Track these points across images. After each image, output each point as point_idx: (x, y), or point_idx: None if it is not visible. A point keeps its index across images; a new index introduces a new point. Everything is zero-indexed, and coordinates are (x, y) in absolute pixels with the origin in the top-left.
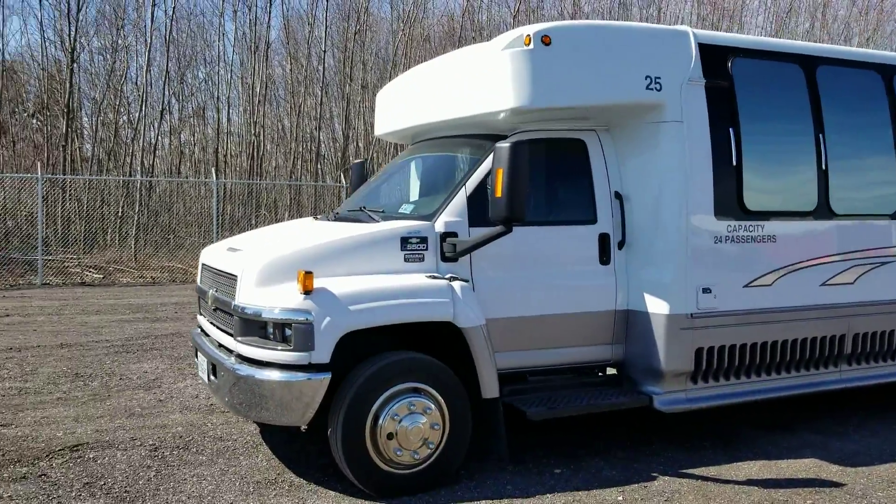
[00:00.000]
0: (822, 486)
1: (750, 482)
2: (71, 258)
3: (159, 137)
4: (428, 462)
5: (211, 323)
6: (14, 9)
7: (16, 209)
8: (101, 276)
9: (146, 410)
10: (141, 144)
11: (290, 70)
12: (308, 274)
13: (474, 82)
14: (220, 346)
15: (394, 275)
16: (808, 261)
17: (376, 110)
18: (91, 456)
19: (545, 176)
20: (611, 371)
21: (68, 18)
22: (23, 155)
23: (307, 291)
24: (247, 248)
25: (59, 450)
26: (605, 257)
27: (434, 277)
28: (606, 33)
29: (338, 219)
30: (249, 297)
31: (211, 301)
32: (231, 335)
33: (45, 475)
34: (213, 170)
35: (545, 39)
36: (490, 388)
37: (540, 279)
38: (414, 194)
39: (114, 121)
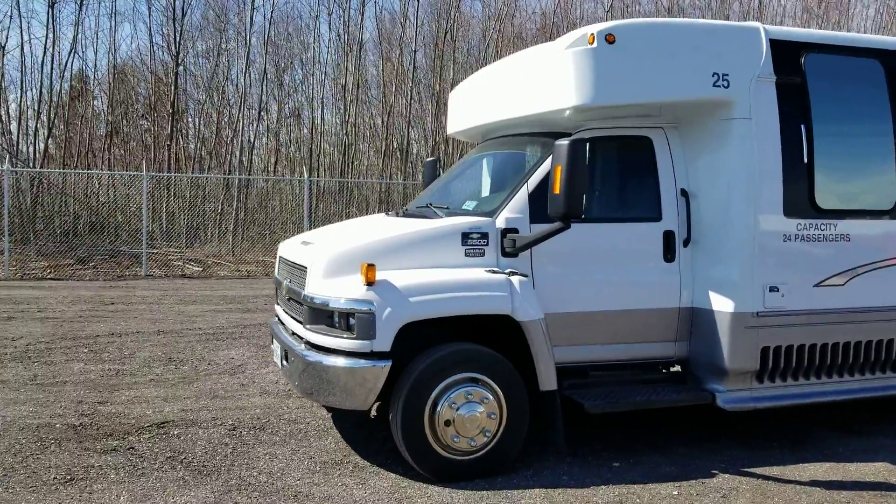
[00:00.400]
0: (890, 490)
1: (813, 482)
2: (174, 252)
3: (257, 137)
4: (485, 450)
5: (285, 312)
6: (125, 15)
7: (125, 205)
8: (201, 268)
9: (229, 393)
10: (240, 144)
11: (382, 70)
12: (370, 266)
13: (539, 81)
14: (293, 333)
15: (454, 268)
16: (885, 261)
17: (448, 110)
18: (175, 433)
19: (609, 173)
20: (676, 369)
21: (173, 24)
22: (133, 154)
23: (370, 283)
24: (317, 242)
25: (148, 426)
26: (669, 255)
27: (493, 272)
28: (671, 31)
29: (406, 215)
30: (317, 287)
31: (285, 291)
32: (301, 323)
33: (132, 448)
34: (305, 168)
35: (609, 38)
36: (548, 380)
37: (601, 275)
38: (479, 191)
39: (215, 121)
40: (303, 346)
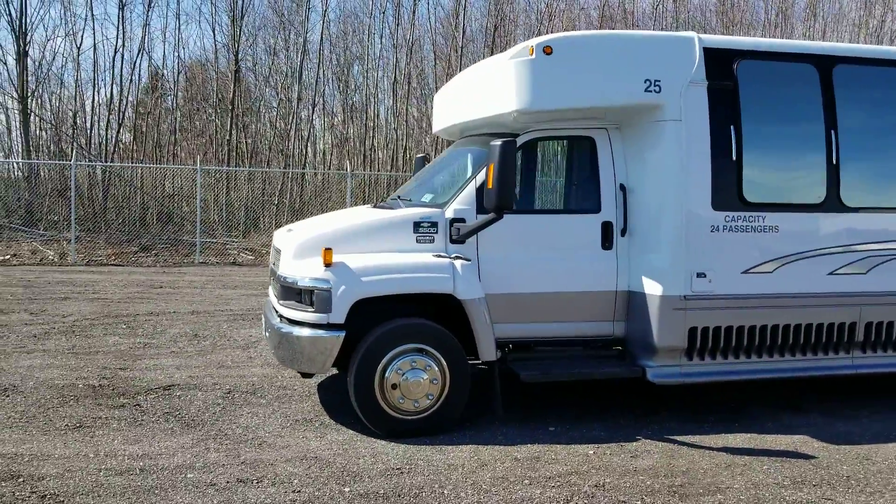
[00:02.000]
0: (790, 457)
1: (724, 448)
2: (232, 241)
3: (315, 131)
4: (429, 411)
5: (272, 291)
6: (191, 15)
7: (191, 197)
8: (253, 257)
9: (235, 364)
10: (298, 138)
11: (435, 67)
12: (328, 250)
13: (491, 87)
14: (274, 309)
15: (405, 253)
16: (814, 251)
17: (433, 110)
18: (178, 394)
19: (554, 169)
20: (619, 348)
21: (233, 23)
22: (199, 148)
23: (328, 264)
24: (296, 229)
25: (156, 388)
26: (607, 243)
27: (439, 256)
28: (605, 42)
29: (378, 206)
30: (288, 268)
31: (270, 273)
32: (278, 299)
33: (138, 405)
34: (349, 162)
35: (546, 49)
36: (487, 352)
37: (544, 261)
38: (440, 185)
39: (276, 116)
40: (278, 319)
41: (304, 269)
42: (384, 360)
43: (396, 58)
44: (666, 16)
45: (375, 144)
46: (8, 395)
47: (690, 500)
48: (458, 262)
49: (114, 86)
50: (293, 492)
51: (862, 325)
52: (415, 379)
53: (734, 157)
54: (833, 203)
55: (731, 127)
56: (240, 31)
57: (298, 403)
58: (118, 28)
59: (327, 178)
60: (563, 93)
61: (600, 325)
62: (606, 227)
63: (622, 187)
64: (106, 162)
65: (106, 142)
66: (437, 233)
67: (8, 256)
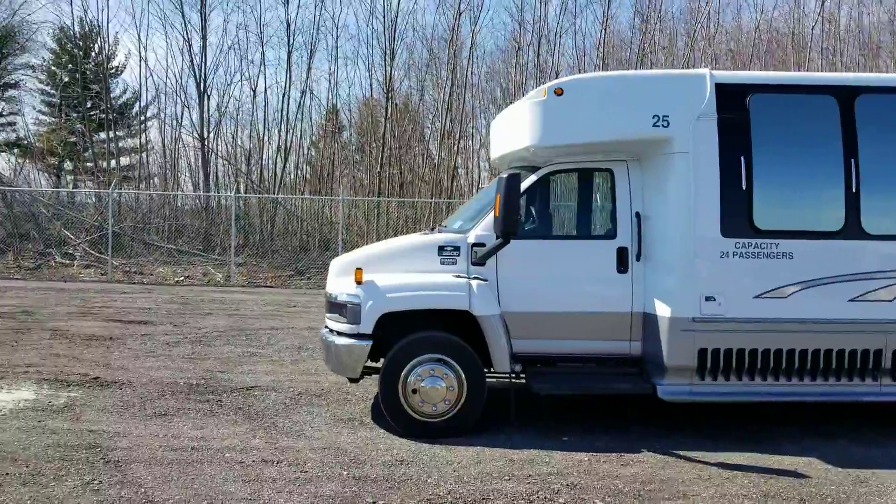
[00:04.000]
0: (780, 475)
1: (718, 464)
2: None
3: (458, 162)
4: (447, 415)
5: None
6: (350, 58)
7: (353, 225)
8: None
9: (318, 372)
10: (446, 169)
11: None
12: (358, 269)
13: (516, 124)
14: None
15: (429, 273)
16: (832, 277)
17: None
18: (256, 394)
19: (573, 198)
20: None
21: (385, 64)
22: (356, 180)
23: (359, 282)
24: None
25: (241, 388)
26: (622, 267)
27: (458, 276)
28: (614, 83)
29: (425, 233)
30: (331, 285)
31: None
32: (326, 313)
33: (219, 401)
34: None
35: (557, 91)
36: (501, 364)
37: (560, 282)
38: (473, 212)
39: (421, 149)
40: (326, 330)
41: (341, 287)
42: (407, 368)
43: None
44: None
45: None
46: (121, 388)
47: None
48: (474, 282)
49: (283, 124)
50: (301, 471)
51: (889, 352)
52: (432, 385)
53: (744, 186)
54: (853, 230)
55: (742, 157)
56: (391, 70)
57: (351, 406)
58: (287, 72)
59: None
60: (572, 130)
61: (617, 344)
62: (622, 252)
63: (637, 215)
64: (275, 194)
65: (274, 175)
66: (459, 256)
67: (182, 278)
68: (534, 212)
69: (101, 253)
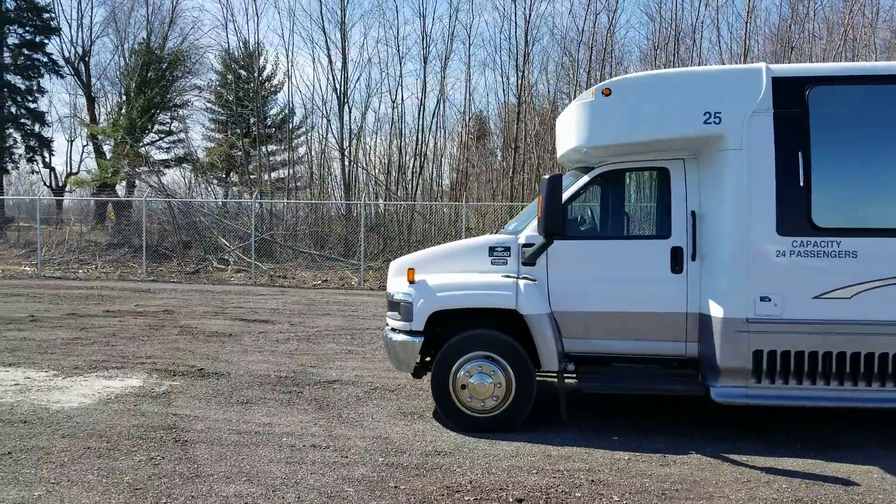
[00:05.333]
0: (826, 482)
1: (764, 468)
2: None
3: None
4: (496, 411)
5: None
6: (486, 63)
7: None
8: None
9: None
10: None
11: None
12: (410, 269)
13: (568, 125)
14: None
15: (479, 273)
16: None
17: None
18: (335, 387)
19: (627, 198)
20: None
21: (517, 70)
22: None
23: (411, 282)
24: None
25: (324, 382)
26: (677, 267)
27: (507, 276)
28: (663, 81)
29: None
30: (389, 285)
31: None
32: (387, 311)
33: (300, 392)
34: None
35: (605, 92)
36: (548, 362)
37: (613, 282)
38: (529, 214)
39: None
40: (388, 327)
41: (397, 286)
42: (457, 364)
43: None
44: None
45: None
46: (218, 379)
47: (671, 503)
48: (521, 282)
49: (419, 133)
50: (342, 456)
51: None
52: (480, 381)
53: (802, 183)
54: None
55: (800, 153)
56: (523, 74)
57: (418, 401)
58: (423, 82)
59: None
60: (619, 130)
61: (672, 345)
62: (676, 252)
63: (693, 214)
64: (412, 201)
65: (406, 183)
66: (510, 256)
67: (320, 282)
68: (587, 212)
69: (252, 258)
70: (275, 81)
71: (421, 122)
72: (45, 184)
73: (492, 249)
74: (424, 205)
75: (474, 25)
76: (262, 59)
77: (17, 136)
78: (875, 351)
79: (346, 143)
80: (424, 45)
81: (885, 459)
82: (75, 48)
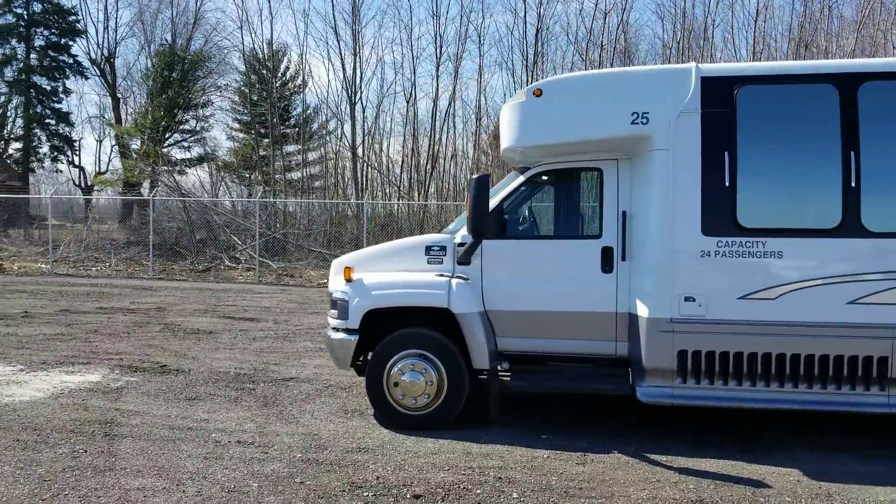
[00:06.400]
0: (734, 482)
1: (678, 468)
2: None
3: None
4: (428, 409)
5: None
6: (504, 62)
7: None
8: None
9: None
10: None
11: None
12: (347, 268)
13: (503, 125)
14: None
15: (415, 272)
16: (826, 278)
17: None
18: (289, 384)
19: (558, 198)
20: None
21: (526, 68)
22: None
23: (349, 280)
24: None
25: (280, 379)
26: (607, 267)
27: (441, 275)
28: (591, 82)
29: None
30: (330, 283)
31: None
32: (329, 309)
33: (253, 389)
34: None
35: (536, 92)
36: (479, 360)
37: (545, 282)
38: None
39: None
40: (329, 325)
41: (336, 284)
42: (390, 362)
43: None
44: None
45: None
46: (177, 375)
47: (572, 500)
48: (454, 281)
49: (432, 133)
50: (262, 452)
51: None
52: (412, 379)
53: (727, 183)
54: (852, 228)
55: (726, 153)
56: (534, 74)
57: (365, 399)
58: (436, 82)
59: None
60: (549, 130)
61: (603, 344)
62: (606, 252)
63: (624, 214)
64: (425, 200)
65: (420, 183)
66: (445, 255)
67: (325, 281)
68: (523, 212)
69: (263, 257)
70: (298, 81)
71: (434, 122)
72: (74, 183)
73: (428, 248)
74: (438, 204)
75: (486, 26)
76: (284, 59)
77: (42, 135)
78: (801, 352)
79: (358, 143)
80: (438, 44)
81: (810, 463)
82: (101, 50)
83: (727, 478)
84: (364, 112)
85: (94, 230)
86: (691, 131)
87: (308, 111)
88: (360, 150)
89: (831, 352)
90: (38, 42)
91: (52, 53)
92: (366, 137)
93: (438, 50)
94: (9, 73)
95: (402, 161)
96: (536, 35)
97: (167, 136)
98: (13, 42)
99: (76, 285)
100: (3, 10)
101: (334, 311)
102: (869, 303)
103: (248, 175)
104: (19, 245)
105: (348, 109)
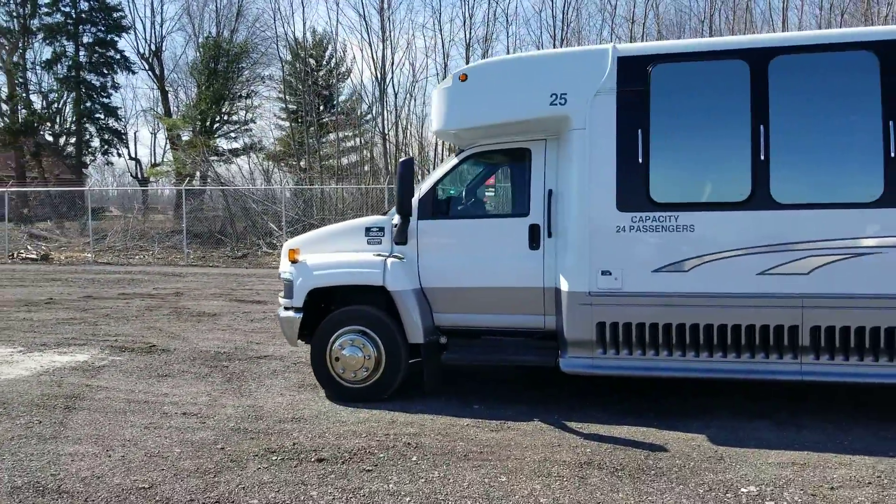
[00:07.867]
0: (637, 447)
1: (591, 435)
2: None
3: None
4: (367, 382)
5: None
6: (534, 42)
7: None
8: None
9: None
10: None
11: None
12: (292, 250)
13: (433, 109)
14: None
15: (355, 252)
16: (737, 250)
17: None
18: (261, 362)
19: (489, 178)
20: None
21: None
22: None
23: (293, 262)
24: None
25: (254, 357)
26: (534, 244)
27: (378, 255)
28: (512, 66)
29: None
30: (281, 264)
31: None
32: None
33: (225, 366)
34: None
35: (462, 77)
36: (414, 335)
37: (476, 259)
38: None
39: None
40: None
41: (284, 266)
42: (332, 337)
43: None
44: None
45: None
46: (160, 354)
47: (467, 463)
48: (389, 260)
49: None
50: (200, 422)
51: (806, 329)
52: (352, 354)
53: (640, 160)
54: (762, 200)
55: (640, 130)
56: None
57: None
58: (466, 63)
59: None
60: (474, 113)
61: (532, 318)
62: (534, 229)
63: (550, 192)
64: None
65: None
66: (384, 236)
67: None
68: (457, 192)
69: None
70: (342, 69)
71: None
72: (131, 175)
73: (367, 230)
74: None
75: (513, 7)
76: (329, 47)
77: (93, 129)
78: (714, 323)
79: (388, 128)
80: (467, 27)
81: (720, 429)
82: (149, 44)
83: (630, 442)
84: (396, 98)
85: (144, 220)
86: (607, 110)
87: (353, 97)
88: (390, 135)
89: (743, 322)
90: (87, 39)
91: (99, 50)
92: (398, 121)
93: (467, 32)
94: (60, 70)
95: (436, 146)
96: (563, 14)
97: (214, 127)
98: (62, 40)
99: (111, 273)
100: (51, 10)
101: (282, 291)
102: (778, 273)
103: (295, 163)
104: (70, 236)
105: (378, 94)
